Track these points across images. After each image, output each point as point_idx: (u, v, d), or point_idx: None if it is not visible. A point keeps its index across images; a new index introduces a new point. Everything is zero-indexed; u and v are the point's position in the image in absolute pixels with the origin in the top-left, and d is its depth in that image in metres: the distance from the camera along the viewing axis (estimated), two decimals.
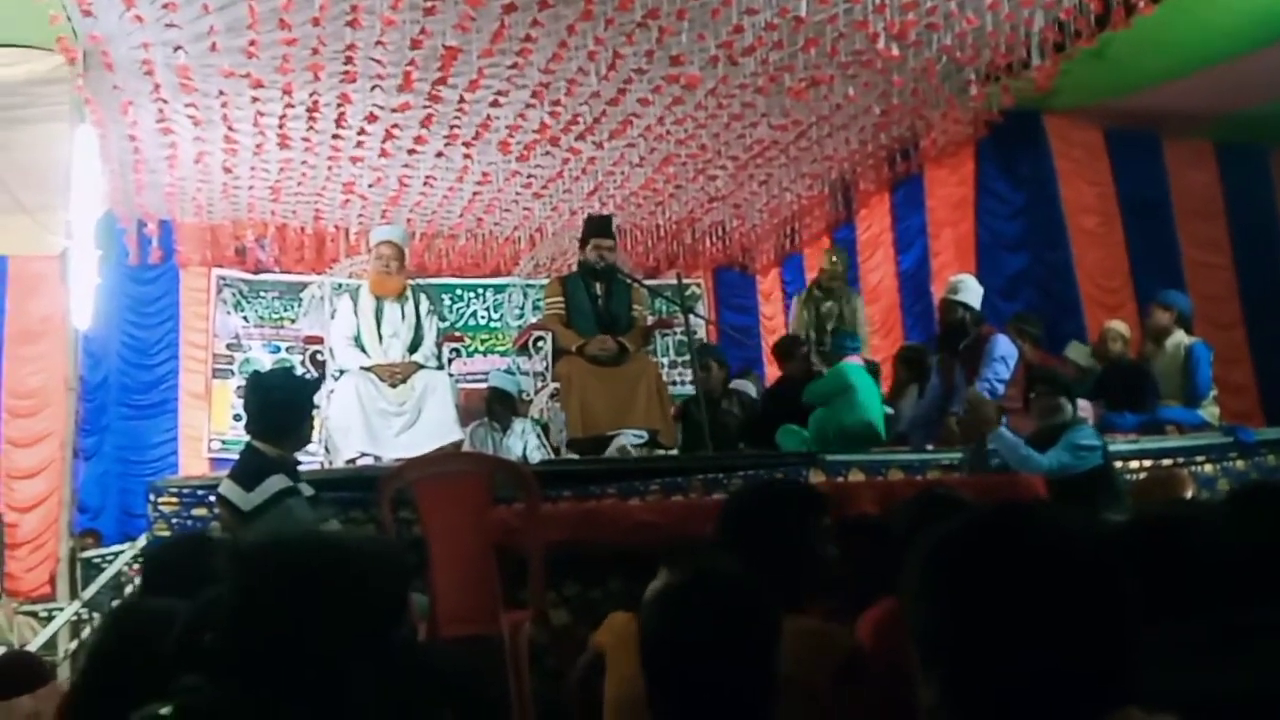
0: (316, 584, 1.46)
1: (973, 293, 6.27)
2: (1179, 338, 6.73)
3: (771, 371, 8.94)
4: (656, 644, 1.81)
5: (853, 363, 6.64)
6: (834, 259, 8.05)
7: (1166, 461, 5.78)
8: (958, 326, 6.19)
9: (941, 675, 1.19)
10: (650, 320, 6.61)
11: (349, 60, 6.54)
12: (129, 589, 5.42)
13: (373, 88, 6.95)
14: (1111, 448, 5.19)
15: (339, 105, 7.24)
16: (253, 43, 6.18)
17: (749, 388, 8.11)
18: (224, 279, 10.08)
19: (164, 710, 1.42)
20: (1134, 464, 5.61)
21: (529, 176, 8.84)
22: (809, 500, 2.73)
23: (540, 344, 6.35)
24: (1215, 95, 7.72)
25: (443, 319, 7.58)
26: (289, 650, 1.41)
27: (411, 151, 8.12)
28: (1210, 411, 6.55)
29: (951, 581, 1.21)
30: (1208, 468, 5.90)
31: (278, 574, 1.48)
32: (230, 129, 7.59)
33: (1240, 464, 6.00)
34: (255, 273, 10.17)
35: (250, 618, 1.44)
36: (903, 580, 1.26)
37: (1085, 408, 5.93)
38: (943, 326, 6.39)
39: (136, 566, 5.43)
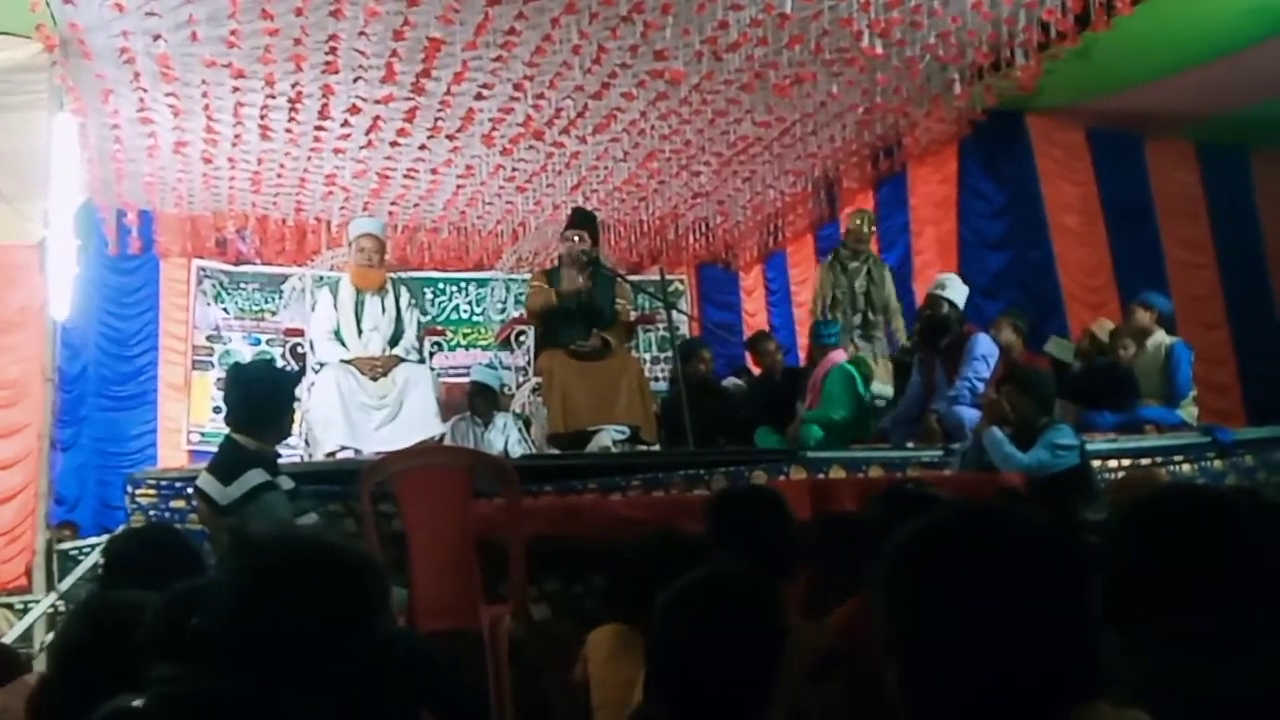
0: (320, 575, 1.48)
1: (958, 291, 6.29)
2: (1160, 337, 6.77)
3: None
4: (667, 636, 1.83)
5: (842, 360, 6.65)
6: (859, 220, 7.84)
7: (1145, 461, 5.81)
8: (941, 321, 6.19)
9: (905, 670, 1.19)
10: (633, 315, 6.60)
11: (332, 51, 6.50)
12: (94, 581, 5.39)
13: (355, 79, 6.91)
14: (1090, 447, 5.21)
15: (321, 96, 7.19)
16: (234, 32, 6.13)
17: (738, 385, 8.15)
18: (204, 270, 10.01)
19: (136, 702, 1.41)
20: (1112, 463, 5.64)
21: (512, 170, 8.81)
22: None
23: (522, 338, 6.35)
24: (1197, 96, 7.77)
25: (424, 313, 7.57)
26: (285, 638, 1.41)
27: (394, 144, 8.08)
28: (1189, 411, 6.59)
29: (915, 579, 1.22)
30: (1186, 467, 5.93)
31: (284, 564, 1.50)
32: (211, 119, 7.53)
33: (1218, 464, 6.05)
34: (236, 264, 10.11)
35: (252, 605, 1.44)
36: (870, 576, 1.27)
37: (1061, 406, 5.96)
38: (924, 320, 6.39)
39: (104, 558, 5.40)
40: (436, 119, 7.67)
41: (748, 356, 8.61)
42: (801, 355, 8.49)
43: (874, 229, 8.12)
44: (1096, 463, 5.31)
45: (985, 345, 6.08)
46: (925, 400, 6.23)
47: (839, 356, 6.69)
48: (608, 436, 5.83)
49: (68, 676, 1.96)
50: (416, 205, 9.61)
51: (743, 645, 1.79)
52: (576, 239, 6.29)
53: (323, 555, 1.53)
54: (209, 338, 9.97)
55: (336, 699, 1.42)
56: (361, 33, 6.26)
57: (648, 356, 9.65)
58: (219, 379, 9.24)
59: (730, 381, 8.07)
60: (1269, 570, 1.54)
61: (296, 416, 4.79)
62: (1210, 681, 1.38)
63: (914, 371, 6.49)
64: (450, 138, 8.04)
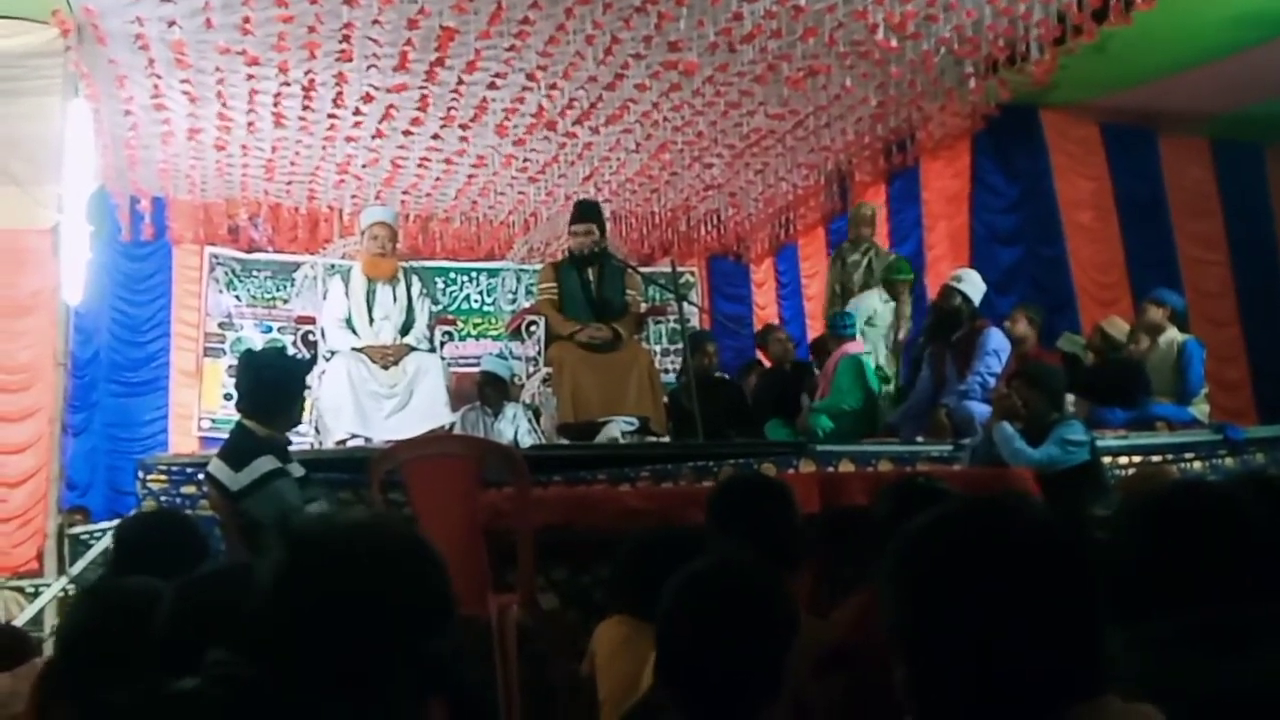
0: (379, 575, 1.40)
1: (974, 287, 6.28)
2: (1172, 334, 6.75)
3: None
4: (676, 625, 1.83)
5: (855, 351, 6.64)
6: (861, 207, 7.93)
7: (1156, 458, 5.79)
8: (952, 313, 6.18)
9: (912, 665, 1.19)
10: (644, 307, 6.60)
11: (346, 39, 6.51)
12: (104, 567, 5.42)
13: (369, 67, 6.91)
14: (1101, 443, 5.21)
15: (335, 84, 7.20)
16: (248, 19, 6.14)
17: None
18: (217, 257, 10.03)
19: (189, 685, 1.40)
20: (1123, 459, 5.63)
21: (525, 160, 8.80)
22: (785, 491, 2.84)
23: (533, 329, 6.34)
24: (1211, 93, 7.75)
25: (435, 302, 7.57)
26: (331, 637, 1.36)
27: (407, 133, 8.08)
28: (1200, 409, 6.57)
29: (921, 573, 1.22)
30: (1196, 465, 5.92)
31: (341, 559, 1.41)
32: (225, 106, 7.54)
33: (1229, 461, 6.03)
34: (248, 252, 10.13)
35: (297, 599, 1.39)
36: (877, 571, 1.27)
37: (1075, 402, 5.95)
38: (936, 311, 6.38)
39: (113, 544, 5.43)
40: (449, 108, 7.67)
41: (758, 350, 8.62)
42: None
43: (873, 215, 8.16)
44: (1107, 459, 5.30)
45: (997, 340, 6.07)
46: (935, 394, 6.22)
47: (853, 348, 6.69)
48: (617, 428, 5.83)
49: (74, 661, 1.97)
50: (429, 194, 9.62)
51: (753, 634, 1.79)
52: (583, 231, 6.27)
53: (400, 552, 1.44)
54: (221, 325, 9.99)
55: (373, 694, 1.39)
56: (375, 21, 6.26)
57: (658, 348, 9.65)
58: (230, 366, 9.25)
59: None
60: (1274, 565, 1.54)
61: (307, 404, 4.81)
62: (1216, 677, 1.38)
63: (924, 365, 6.48)
64: (463, 127, 8.03)
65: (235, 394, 3.99)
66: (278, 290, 10.07)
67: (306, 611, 1.38)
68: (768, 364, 8.20)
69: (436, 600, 1.45)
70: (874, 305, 7.40)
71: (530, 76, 7.13)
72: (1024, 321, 6.69)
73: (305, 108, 7.59)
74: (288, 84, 7.17)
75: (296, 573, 1.41)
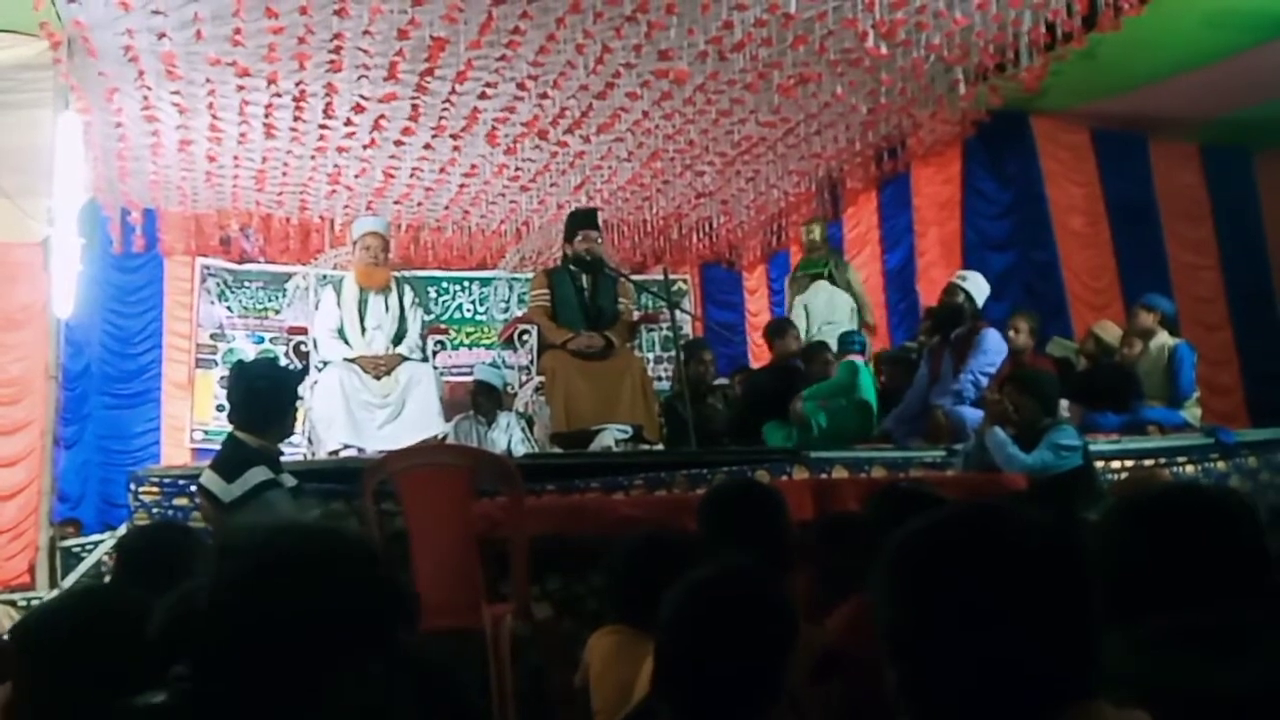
0: (316, 579, 1.37)
1: (978, 287, 6.30)
2: (1163, 339, 6.76)
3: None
4: (678, 633, 1.82)
5: (856, 360, 6.67)
6: (809, 230, 8.09)
7: (1148, 462, 5.80)
8: (955, 310, 6.19)
9: (905, 669, 1.19)
10: (636, 315, 6.61)
11: (336, 50, 6.51)
12: (108, 579, 5.40)
13: (359, 78, 6.92)
14: (1093, 448, 5.20)
15: (325, 95, 7.20)
16: (238, 31, 6.14)
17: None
18: (208, 269, 10.03)
19: (157, 699, 1.38)
20: (1115, 464, 5.63)
21: (516, 169, 8.81)
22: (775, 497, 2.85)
23: (525, 338, 6.34)
24: (1201, 98, 7.77)
25: (427, 311, 7.57)
26: (277, 646, 1.34)
27: (398, 143, 8.09)
28: (1192, 413, 6.58)
29: (914, 578, 1.22)
30: (1188, 469, 5.92)
31: (269, 567, 1.38)
32: (215, 117, 7.54)
33: (1221, 465, 6.03)
34: (240, 263, 10.13)
35: (238, 608, 1.37)
36: (870, 577, 1.27)
37: (1065, 407, 5.95)
38: (938, 308, 6.39)
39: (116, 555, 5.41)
40: (440, 118, 7.67)
41: (751, 346, 8.66)
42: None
43: (823, 233, 8.36)
44: (1099, 463, 5.30)
45: (994, 341, 6.07)
46: (929, 392, 6.22)
47: (856, 359, 6.74)
48: (610, 436, 5.82)
49: (58, 672, 1.93)
50: (420, 204, 9.62)
51: (757, 641, 1.78)
52: (594, 238, 6.33)
53: (314, 556, 1.40)
54: (213, 336, 9.99)
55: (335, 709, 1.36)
56: (366, 31, 6.26)
57: (650, 356, 9.65)
58: (222, 377, 9.24)
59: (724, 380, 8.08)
60: (1266, 566, 1.55)
61: (299, 415, 4.79)
62: (1210, 677, 1.38)
63: (921, 364, 6.47)
64: (454, 137, 8.04)
65: (227, 405, 3.97)
66: (269, 301, 10.06)
67: (241, 623, 1.34)
68: (768, 360, 8.18)
69: (378, 604, 1.41)
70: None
71: (521, 86, 7.14)
72: (1025, 332, 6.65)
73: (296, 118, 7.59)
74: (278, 95, 7.17)
75: (227, 585, 1.38)
